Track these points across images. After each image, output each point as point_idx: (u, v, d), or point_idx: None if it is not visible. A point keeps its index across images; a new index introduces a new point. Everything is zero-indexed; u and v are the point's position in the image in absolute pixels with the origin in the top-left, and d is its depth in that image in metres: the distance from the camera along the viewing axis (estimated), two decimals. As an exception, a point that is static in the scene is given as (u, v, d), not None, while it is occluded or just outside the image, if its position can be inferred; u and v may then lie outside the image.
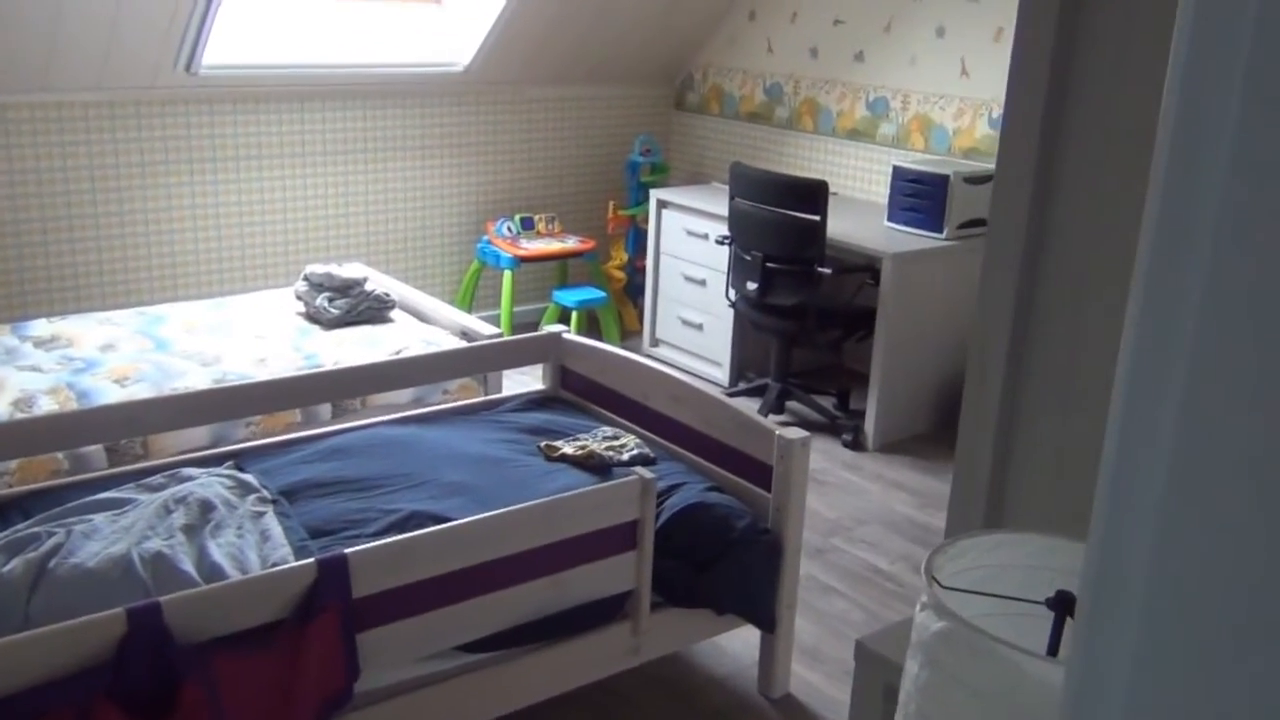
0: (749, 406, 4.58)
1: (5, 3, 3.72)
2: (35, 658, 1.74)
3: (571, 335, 3.24)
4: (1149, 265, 0.58)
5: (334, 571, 1.99)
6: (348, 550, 2.03)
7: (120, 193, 4.38)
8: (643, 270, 5.27)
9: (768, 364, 4.60)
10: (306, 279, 3.90)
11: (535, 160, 5.47)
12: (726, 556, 2.52)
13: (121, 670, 1.79)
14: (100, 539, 2.18)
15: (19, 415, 2.93)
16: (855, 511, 3.73)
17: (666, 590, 2.49)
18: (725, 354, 4.81)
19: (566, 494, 2.33)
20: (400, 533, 2.25)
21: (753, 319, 4.45)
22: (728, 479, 2.71)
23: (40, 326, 3.64)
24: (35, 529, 2.23)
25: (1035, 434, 1.63)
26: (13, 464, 2.84)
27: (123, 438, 2.87)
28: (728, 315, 4.71)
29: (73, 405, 3.04)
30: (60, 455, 2.88)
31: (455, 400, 3.41)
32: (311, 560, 1.99)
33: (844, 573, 3.33)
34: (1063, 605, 1.12)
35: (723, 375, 4.84)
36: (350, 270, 3.95)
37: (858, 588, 3.24)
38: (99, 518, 2.27)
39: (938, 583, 1.13)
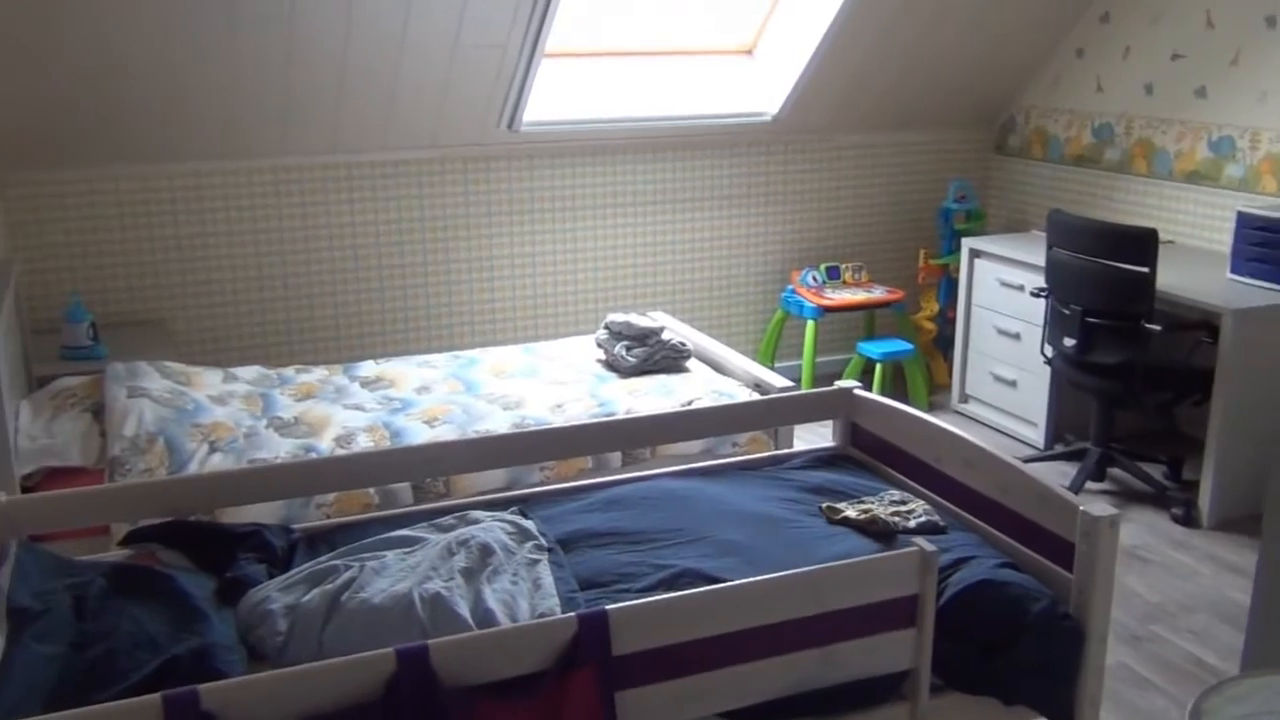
0: (1064, 471, 4.29)
1: (351, 71, 4.07)
2: (309, 691, 1.83)
3: (863, 391, 3.12)
4: None
5: (594, 627, 1.98)
6: (609, 607, 2.01)
7: (446, 243, 4.68)
8: (954, 321, 5.04)
9: (1088, 426, 4.25)
10: (607, 327, 3.99)
11: (843, 208, 5.37)
12: (1019, 641, 2.31)
13: (389, 709, 1.86)
14: (388, 576, 2.29)
15: (339, 451, 3.15)
16: (1182, 596, 3.36)
17: (949, 673, 2.31)
18: (1041, 413, 4.51)
19: (839, 563, 2.21)
20: (669, 590, 2.22)
21: (1071, 377, 4.13)
22: (1025, 555, 2.50)
23: (368, 368, 3.92)
24: (335, 562, 2.37)
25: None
26: (331, 497, 3.05)
27: (426, 477, 3.03)
28: (1044, 372, 4.41)
29: (386, 443, 3.24)
30: (372, 491, 3.07)
31: (745, 453, 3.36)
32: (573, 615, 1.99)
33: (1163, 665, 2.99)
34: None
35: (1038, 436, 4.52)
36: (648, 319, 4.01)
37: (1178, 682, 2.90)
38: (390, 554, 2.38)
39: None
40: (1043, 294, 4.16)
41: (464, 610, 2.17)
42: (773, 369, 5.06)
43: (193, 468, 3.04)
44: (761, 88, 5.01)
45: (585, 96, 4.76)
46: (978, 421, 4.88)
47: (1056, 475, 4.29)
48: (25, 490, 2.97)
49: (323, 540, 2.61)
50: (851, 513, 2.63)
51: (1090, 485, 4.19)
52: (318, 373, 3.84)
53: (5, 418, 2.86)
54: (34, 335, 3.92)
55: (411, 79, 4.20)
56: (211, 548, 2.52)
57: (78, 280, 4.20)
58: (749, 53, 5.08)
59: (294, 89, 4.09)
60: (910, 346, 5.02)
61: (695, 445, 3.38)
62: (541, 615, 2.16)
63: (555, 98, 4.64)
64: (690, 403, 3.48)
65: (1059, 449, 4.39)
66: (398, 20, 3.93)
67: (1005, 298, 4.65)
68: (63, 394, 3.39)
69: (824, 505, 2.70)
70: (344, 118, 4.28)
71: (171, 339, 4.25)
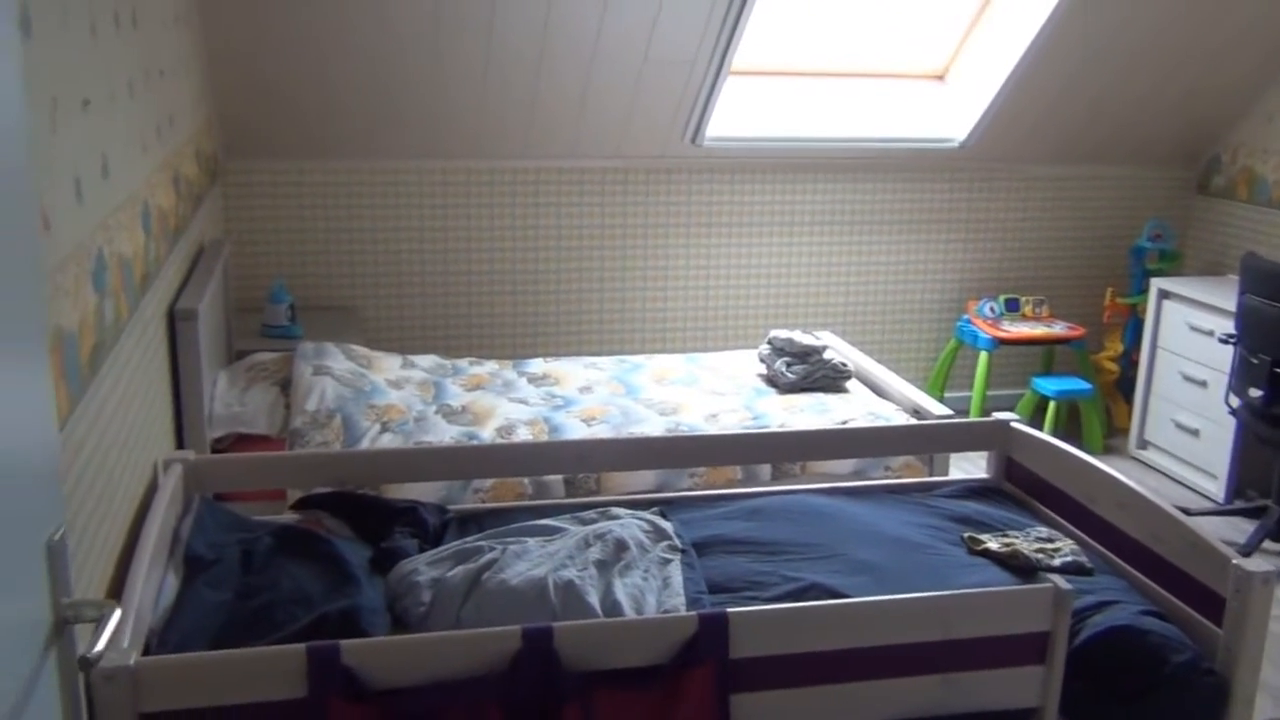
0: (1242, 528, 4.07)
1: (545, 80, 4.24)
2: (440, 658, 1.94)
3: (1020, 425, 3.06)
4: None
5: (714, 627, 2.03)
6: (730, 609, 2.06)
7: (622, 251, 4.81)
8: (1137, 364, 4.86)
9: (1271, 482, 4.03)
10: (770, 342, 4.02)
11: (1027, 240, 5.24)
12: (1156, 692, 2.24)
13: (512, 683, 1.95)
14: (527, 560, 2.39)
15: (499, 441, 3.30)
16: (1357, 670, 3.16)
17: (1078, 716, 2.26)
18: (1222, 466, 4.29)
19: (970, 591, 2.20)
20: (795, 602, 2.25)
21: (1257, 430, 3.93)
22: (1173, 605, 2.41)
23: (536, 365, 4.07)
24: (480, 543, 2.50)
25: None
26: (488, 483, 3.19)
27: (577, 472, 3.14)
28: (1229, 423, 4.20)
29: (544, 437, 3.36)
30: (525, 481, 3.19)
31: (896, 478, 3.34)
32: (694, 614, 2.05)
33: (1326, 739, 2.83)
34: None
35: (1217, 489, 4.32)
36: (811, 337, 4.02)
37: (1341, 760, 2.74)
38: (532, 541, 2.49)
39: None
40: (1231, 340, 3.98)
41: (593, 599, 2.26)
42: (942, 399, 4.99)
43: (364, 445, 3.23)
44: (950, 113, 4.94)
45: (769, 114, 4.80)
46: (1155, 469, 4.69)
47: (1233, 531, 4.08)
48: (215, 452, 3.22)
49: (474, 522, 2.74)
50: (993, 544, 2.60)
51: (1268, 544, 3.97)
52: (489, 366, 4.02)
53: (204, 385, 3.12)
54: (238, 312, 4.23)
55: (601, 90, 4.34)
56: (372, 519, 2.69)
57: (281, 264, 4.51)
58: (940, 77, 5.03)
59: (490, 95, 4.28)
60: (1088, 386, 4.86)
61: (846, 465, 3.38)
62: (666, 612, 2.22)
63: (739, 114, 4.71)
64: (845, 423, 3.48)
65: (1239, 504, 4.18)
66: (590, 32, 4.08)
67: (1193, 343, 4.45)
68: (256, 367, 3.66)
69: (966, 535, 2.67)
70: (535, 124, 4.46)
71: (360, 324, 4.51)
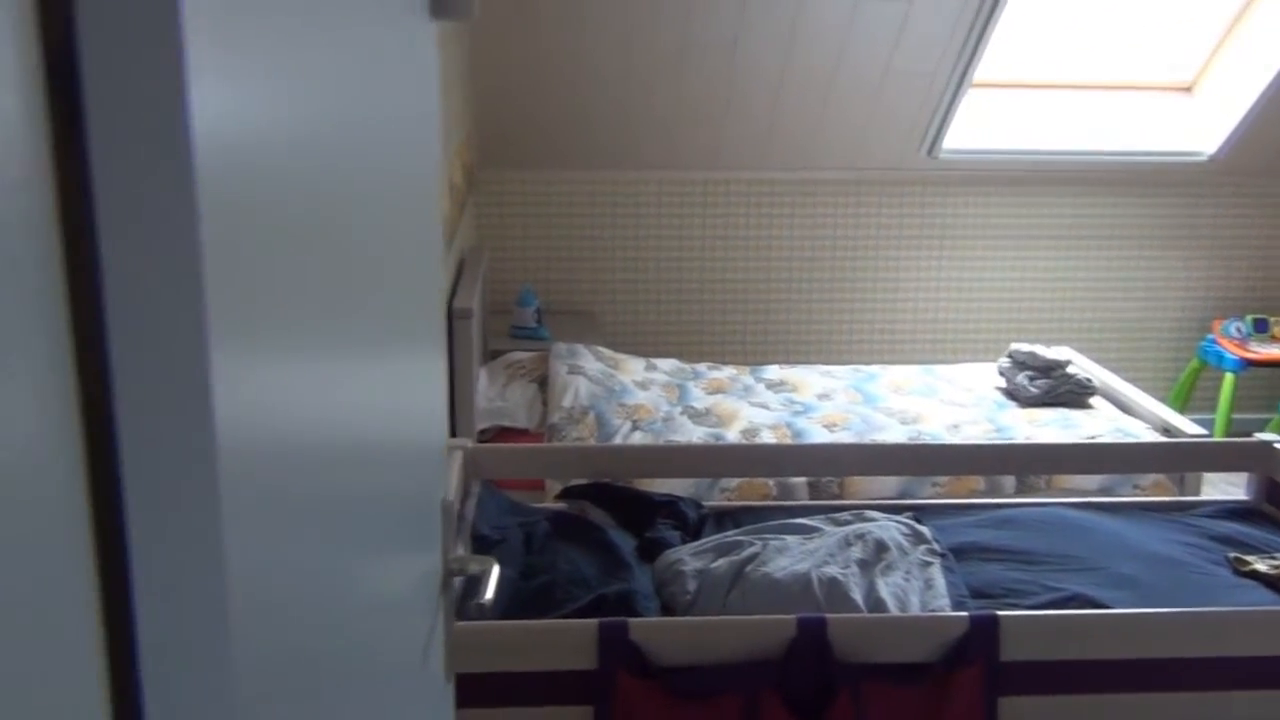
0: None
1: (786, 92, 4.35)
2: (724, 640, 2.06)
3: (1287, 447, 2.97)
4: None
5: (984, 629, 2.08)
6: (1000, 613, 2.11)
7: (855, 262, 4.86)
8: (1402, 390, 4.59)
9: None
10: (1010, 356, 4.01)
11: (1277, 258, 5.02)
12: None
13: (787, 669, 2.06)
14: (789, 556, 2.49)
15: (743, 443, 3.41)
16: None
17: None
18: None
19: (1247, 609, 2.18)
20: (1058, 610, 2.27)
21: None
22: None
23: (773, 371, 4.17)
24: (740, 538, 2.61)
25: None
26: (734, 482, 3.31)
27: (822, 475, 3.22)
28: None
29: (788, 441, 3.46)
30: (770, 482, 3.30)
31: (1144, 496, 3.29)
32: (964, 614, 2.10)
33: None
34: None
35: None
36: (1055, 352, 3.99)
37: None
38: (791, 538, 2.59)
39: None
40: None
41: (857, 595, 2.33)
42: (1182, 419, 4.83)
43: (616, 441, 3.40)
44: (1199, 125, 4.79)
45: (1007, 126, 4.77)
46: None
47: None
48: (480, 443, 3.46)
49: (729, 518, 2.86)
50: (1262, 566, 2.54)
51: None
52: (727, 371, 4.14)
53: (471, 381, 3.36)
54: (489, 314, 4.50)
55: (841, 101, 4.41)
56: (633, 510, 2.84)
57: (528, 270, 4.76)
58: (1187, 89, 4.88)
59: (732, 107, 4.42)
60: (1346, 412, 4.62)
61: (1093, 481, 3.35)
62: (932, 612, 2.28)
63: (976, 126, 4.69)
64: (1092, 438, 3.44)
65: None
66: (835, 45, 4.15)
67: None
68: (514, 366, 3.89)
69: (1231, 555, 2.62)
70: (776, 135, 4.57)
71: (599, 328, 4.71)
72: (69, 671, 0.48)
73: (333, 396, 0.79)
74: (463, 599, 1.61)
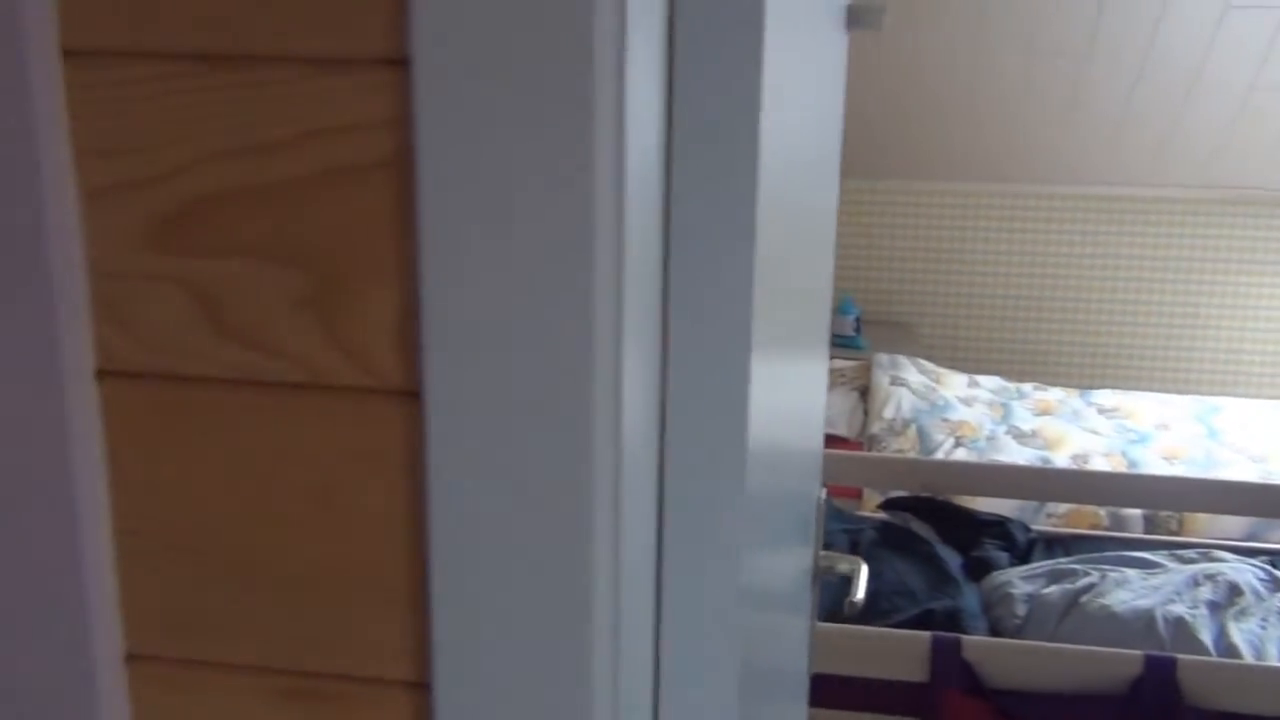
0: None
1: (1136, 105, 4.14)
2: (1058, 669, 2.01)
3: None
4: None
5: (1359, 690, 1.93)
6: (1379, 674, 1.95)
7: (1199, 285, 4.56)
8: None
9: None
10: (1383, 396, 3.65)
11: None
12: None
13: (1130, 708, 1.98)
14: (1129, 590, 2.39)
15: (1074, 468, 3.29)
16: None
17: None
18: None
19: None
20: None
21: None
22: None
23: (1105, 396, 3.99)
24: (1075, 566, 2.53)
25: None
26: (1063, 508, 3.20)
27: (1160, 509, 3.06)
28: None
29: (1122, 470, 3.31)
30: (1102, 511, 3.16)
31: None
32: (1336, 671, 1.96)
33: None
34: None
35: None
36: None
37: None
38: (1131, 572, 2.48)
39: None
40: None
41: (1206, 638, 2.22)
42: None
43: (939, 457, 3.36)
44: None
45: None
46: None
47: None
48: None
49: (1059, 545, 2.77)
50: None
51: None
52: (1054, 392, 3.99)
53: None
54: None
55: (1196, 118, 4.16)
56: (958, 527, 2.80)
57: (848, 278, 4.76)
58: None
59: (1075, 119, 4.25)
60: None
61: None
62: (1293, 665, 2.13)
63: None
64: None
65: None
66: (1194, 61, 3.92)
67: None
68: (834, 373, 3.91)
69: None
70: (1121, 150, 4.36)
71: (917, 340, 4.65)
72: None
73: (779, 397, 0.85)
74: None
